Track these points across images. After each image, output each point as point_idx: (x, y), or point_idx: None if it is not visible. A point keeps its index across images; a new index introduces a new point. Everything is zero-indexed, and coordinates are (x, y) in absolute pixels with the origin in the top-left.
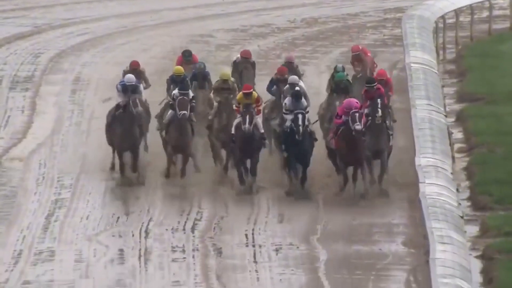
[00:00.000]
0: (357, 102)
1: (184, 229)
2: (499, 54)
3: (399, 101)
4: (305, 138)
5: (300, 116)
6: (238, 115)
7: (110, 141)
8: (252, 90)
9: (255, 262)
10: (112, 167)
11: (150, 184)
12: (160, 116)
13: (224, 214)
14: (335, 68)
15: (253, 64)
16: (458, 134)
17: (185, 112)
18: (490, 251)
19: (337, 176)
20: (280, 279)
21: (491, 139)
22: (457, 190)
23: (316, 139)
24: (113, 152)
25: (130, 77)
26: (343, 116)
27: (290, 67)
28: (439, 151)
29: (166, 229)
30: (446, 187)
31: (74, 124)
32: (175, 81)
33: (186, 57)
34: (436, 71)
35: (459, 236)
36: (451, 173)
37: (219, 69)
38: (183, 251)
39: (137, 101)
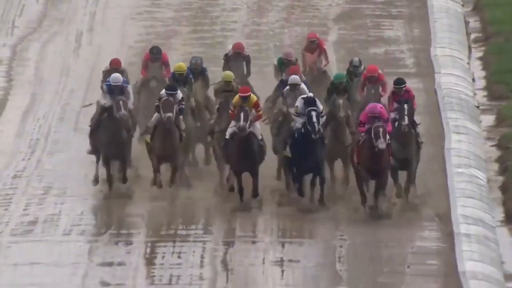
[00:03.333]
0: (381, 107)
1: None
2: None
3: None
4: (317, 143)
5: (314, 113)
6: (232, 122)
7: (95, 149)
8: (250, 93)
9: None
10: (96, 180)
11: None
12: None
13: None
14: (351, 62)
15: (247, 59)
16: (474, 24)
17: (171, 114)
18: (505, 140)
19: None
20: None
21: (508, 28)
22: (473, 80)
23: (325, 143)
24: (97, 162)
25: (116, 76)
26: (366, 124)
27: (289, 64)
28: (456, 41)
29: None
30: (462, 77)
31: (88, 13)
32: (177, 79)
33: (154, 54)
34: None
35: (474, 126)
36: (467, 63)
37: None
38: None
39: (121, 103)
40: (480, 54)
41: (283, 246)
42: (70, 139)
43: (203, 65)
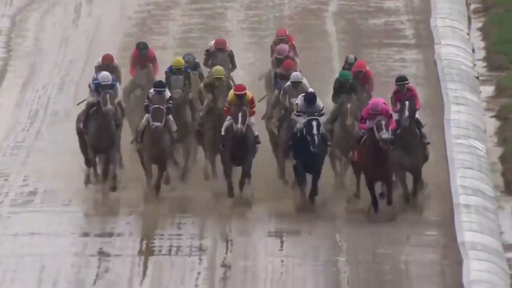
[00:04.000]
0: (384, 103)
1: None
2: None
3: None
4: (319, 145)
5: (314, 123)
6: (228, 117)
7: (83, 147)
8: (245, 91)
9: None
10: (87, 180)
11: None
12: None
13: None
14: (347, 59)
15: (230, 54)
16: None
17: (159, 124)
18: (505, 111)
19: (355, 191)
20: None
21: None
22: (473, 50)
23: (328, 144)
24: (86, 162)
25: (105, 75)
26: (367, 121)
27: (281, 61)
28: (456, 11)
29: None
30: (462, 47)
31: None
32: (175, 74)
33: (141, 50)
34: None
35: (474, 97)
36: (467, 33)
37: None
38: None
39: (108, 97)
40: (480, 24)
41: (283, 217)
42: (69, 110)
43: (196, 61)
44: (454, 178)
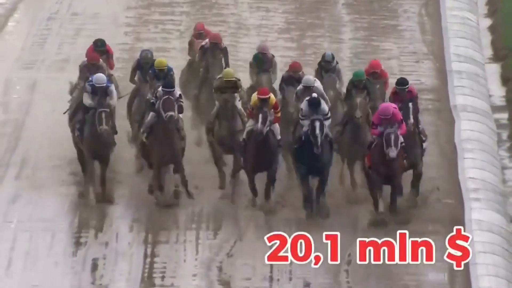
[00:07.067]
0: (395, 107)
1: None
2: None
3: None
4: (323, 147)
5: (317, 124)
6: (250, 121)
7: (80, 152)
8: (269, 95)
9: None
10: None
11: None
12: (129, 106)
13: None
14: (324, 56)
15: (224, 51)
16: None
17: (173, 113)
18: None
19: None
20: None
21: None
22: None
23: (335, 148)
24: (83, 171)
25: (100, 77)
26: (378, 127)
27: (265, 58)
28: None
29: None
30: None
31: None
32: (157, 76)
33: (98, 47)
34: None
35: None
36: None
37: None
38: None
39: (103, 116)
40: None
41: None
42: None
43: (154, 59)
44: (448, 47)
